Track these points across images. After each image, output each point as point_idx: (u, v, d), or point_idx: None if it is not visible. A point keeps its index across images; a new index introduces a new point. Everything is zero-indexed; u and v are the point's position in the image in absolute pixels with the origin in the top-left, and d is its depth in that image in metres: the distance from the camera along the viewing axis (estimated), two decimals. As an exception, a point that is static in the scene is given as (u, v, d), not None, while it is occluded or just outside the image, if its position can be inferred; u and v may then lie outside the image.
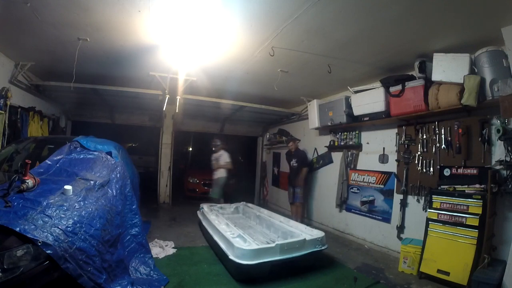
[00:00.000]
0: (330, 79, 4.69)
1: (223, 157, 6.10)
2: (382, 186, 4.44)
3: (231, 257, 3.00)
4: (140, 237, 3.09)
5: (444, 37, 3.12)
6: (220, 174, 6.06)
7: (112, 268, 2.42)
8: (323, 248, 3.47)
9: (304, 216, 5.94)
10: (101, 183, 2.76)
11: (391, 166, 4.32)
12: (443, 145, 3.54)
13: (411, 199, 3.96)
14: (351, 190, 5.01)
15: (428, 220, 3.31)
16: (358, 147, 4.96)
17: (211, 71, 4.62)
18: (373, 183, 4.60)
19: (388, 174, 4.35)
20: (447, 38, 3.13)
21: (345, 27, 3.03)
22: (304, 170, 5.58)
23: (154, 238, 4.13)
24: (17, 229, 1.86)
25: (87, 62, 4.27)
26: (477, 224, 2.87)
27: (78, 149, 3.16)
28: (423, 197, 3.78)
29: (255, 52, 3.81)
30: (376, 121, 4.35)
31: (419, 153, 3.87)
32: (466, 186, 3.14)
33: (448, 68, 3.23)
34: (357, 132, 4.99)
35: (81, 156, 3.03)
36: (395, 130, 4.26)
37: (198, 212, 5.09)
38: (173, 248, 3.88)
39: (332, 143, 5.54)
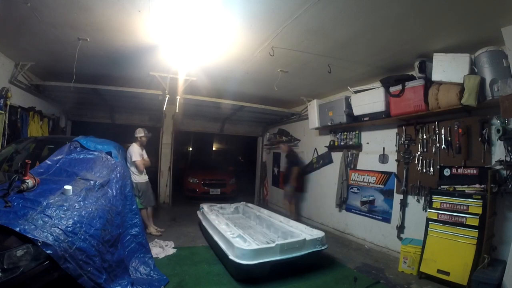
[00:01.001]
0: (330, 79, 4.70)
1: (133, 153, 4.47)
2: (382, 186, 4.44)
3: (231, 257, 3.00)
4: (140, 237, 3.10)
5: (444, 37, 3.12)
6: (139, 178, 4.48)
7: (112, 268, 2.42)
8: (323, 248, 3.47)
9: (299, 214, 6.19)
10: (101, 183, 2.76)
11: (391, 166, 4.32)
12: (443, 145, 3.54)
13: (411, 199, 3.96)
14: (351, 190, 5.01)
15: (428, 220, 3.31)
16: (358, 147, 4.95)
17: (211, 71, 4.62)
18: (373, 183, 4.60)
19: (388, 174, 4.35)
20: (447, 38, 3.14)
21: (345, 27, 3.03)
22: (294, 169, 5.79)
23: (154, 238, 4.14)
24: (17, 229, 1.86)
25: (87, 62, 4.27)
26: (477, 224, 2.87)
27: (78, 149, 3.16)
28: (423, 197, 3.78)
29: (255, 52, 3.81)
30: (376, 121, 4.35)
31: (419, 153, 3.87)
32: (466, 186, 3.14)
33: (448, 68, 3.23)
34: (357, 132, 4.99)
35: (81, 156, 3.03)
36: (395, 130, 4.26)
37: (198, 212, 5.09)
38: (173, 248, 3.89)
39: (332, 143, 5.54)
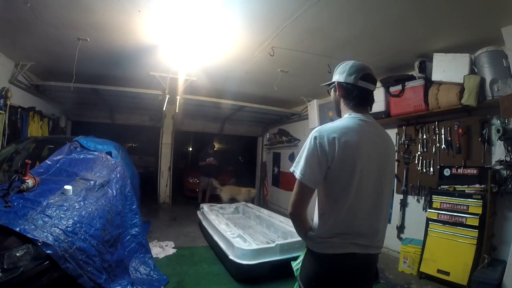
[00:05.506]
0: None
1: None
2: (382, 186, 4.43)
3: (231, 257, 3.00)
4: (140, 237, 3.09)
5: (444, 37, 3.12)
6: None
7: (112, 268, 2.42)
8: (323, 248, 3.46)
9: None
10: (101, 183, 2.76)
11: (391, 166, 4.31)
12: (443, 145, 3.54)
13: (411, 199, 3.97)
14: (351, 190, 5.00)
15: (428, 220, 3.31)
16: (358, 147, 4.94)
17: (211, 71, 4.61)
18: (373, 183, 4.58)
19: (388, 174, 4.34)
20: (447, 38, 3.13)
21: (345, 27, 3.03)
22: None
23: (154, 238, 4.13)
24: (17, 229, 1.85)
25: (87, 62, 4.27)
26: (477, 224, 2.87)
27: (78, 149, 3.16)
28: (423, 197, 3.78)
29: (255, 52, 3.81)
30: (376, 121, 4.34)
31: (419, 153, 3.87)
32: (466, 186, 3.14)
33: (448, 68, 3.23)
34: (357, 132, 4.97)
35: (81, 156, 3.03)
36: (395, 130, 4.25)
37: (198, 212, 5.09)
38: (173, 248, 3.88)
39: (332, 143, 5.52)
